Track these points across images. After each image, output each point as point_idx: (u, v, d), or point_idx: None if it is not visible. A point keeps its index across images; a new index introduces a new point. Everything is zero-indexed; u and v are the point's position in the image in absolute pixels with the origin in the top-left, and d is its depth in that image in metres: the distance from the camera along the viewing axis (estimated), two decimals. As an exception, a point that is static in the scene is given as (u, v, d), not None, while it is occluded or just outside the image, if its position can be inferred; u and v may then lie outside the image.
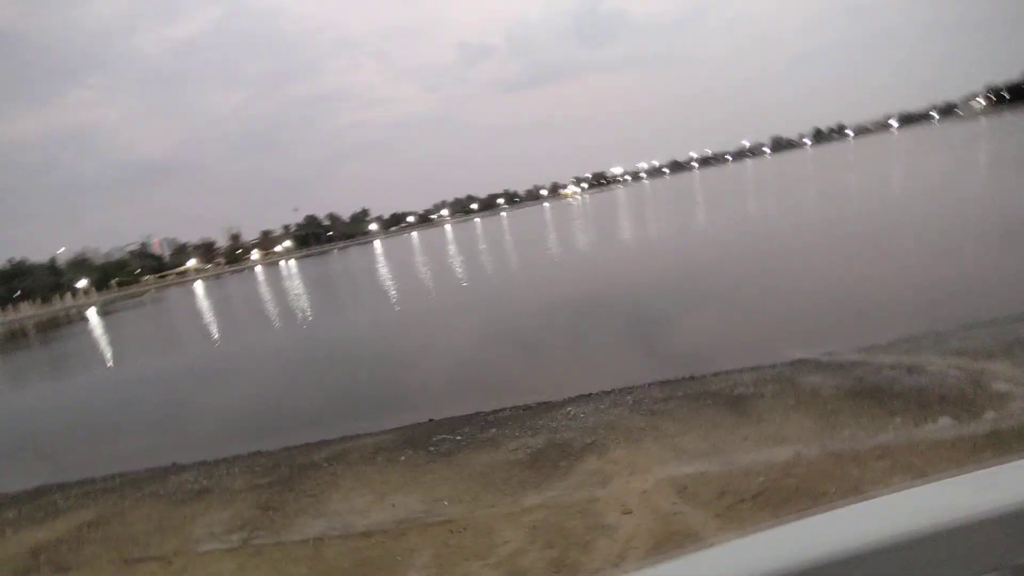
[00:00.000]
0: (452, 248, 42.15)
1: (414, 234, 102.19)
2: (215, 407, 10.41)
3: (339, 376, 10.78)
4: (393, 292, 22.94)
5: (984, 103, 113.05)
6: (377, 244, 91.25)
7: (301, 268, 63.36)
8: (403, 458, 5.59)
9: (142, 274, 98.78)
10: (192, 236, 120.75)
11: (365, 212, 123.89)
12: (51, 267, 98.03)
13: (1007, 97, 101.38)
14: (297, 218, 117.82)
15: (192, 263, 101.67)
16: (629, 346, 9.14)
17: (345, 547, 4.18)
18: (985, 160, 29.39)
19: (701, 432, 4.93)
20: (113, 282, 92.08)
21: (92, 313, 56.64)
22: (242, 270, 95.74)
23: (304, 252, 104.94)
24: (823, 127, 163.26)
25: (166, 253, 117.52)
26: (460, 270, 25.88)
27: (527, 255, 27.80)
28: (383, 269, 36.30)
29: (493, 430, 5.97)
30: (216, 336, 21.33)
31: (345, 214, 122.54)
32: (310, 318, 20.75)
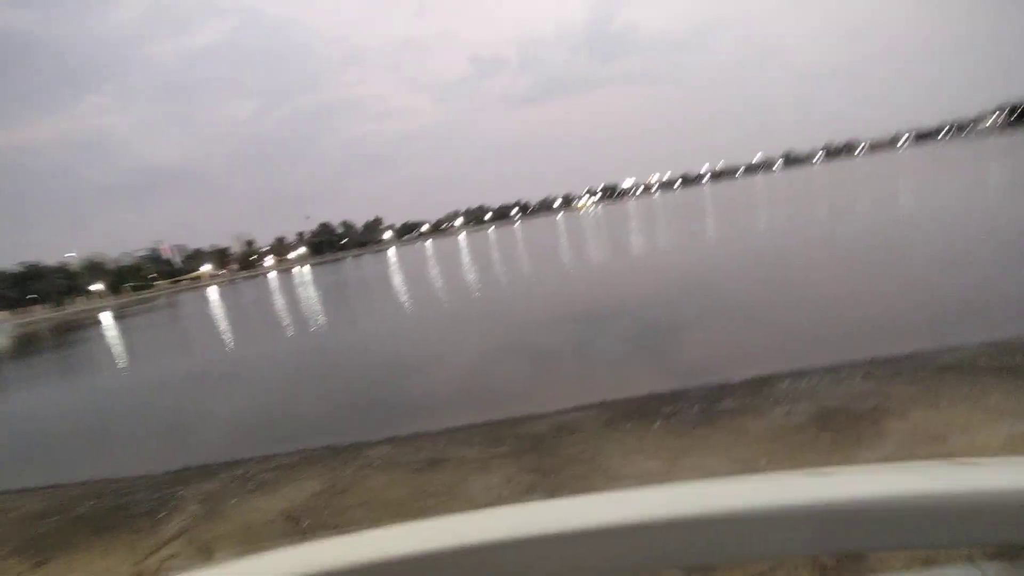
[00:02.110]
0: (494, 255, 41.97)
1: (428, 243, 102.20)
2: (375, 388, 10.14)
3: (498, 359, 10.53)
4: (479, 291, 22.70)
5: (997, 121, 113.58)
6: (391, 252, 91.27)
7: (319, 274, 63.00)
8: (655, 426, 5.29)
9: (156, 279, 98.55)
10: (202, 243, 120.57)
11: (379, 220, 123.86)
12: (64, 270, 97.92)
13: (1021, 115, 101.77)
14: (310, 226, 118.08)
15: (206, 268, 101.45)
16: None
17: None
18: (997, 179, 29.09)
19: (1000, 395, 4.65)
20: (127, 286, 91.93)
21: (108, 316, 56.41)
22: (256, 276, 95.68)
23: (318, 259, 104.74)
24: (834, 143, 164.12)
25: (176, 259, 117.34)
26: (520, 273, 25.63)
27: (590, 259, 27.59)
28: (436, 274, 36.06)
29: (729, 400, 5.68)
30: (301, 327, 21.05)
31: (357, 223, 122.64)
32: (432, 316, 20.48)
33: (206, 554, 4.25)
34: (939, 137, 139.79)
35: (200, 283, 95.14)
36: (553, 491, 4.30)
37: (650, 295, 13.52)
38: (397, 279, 34.10)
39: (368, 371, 11.32)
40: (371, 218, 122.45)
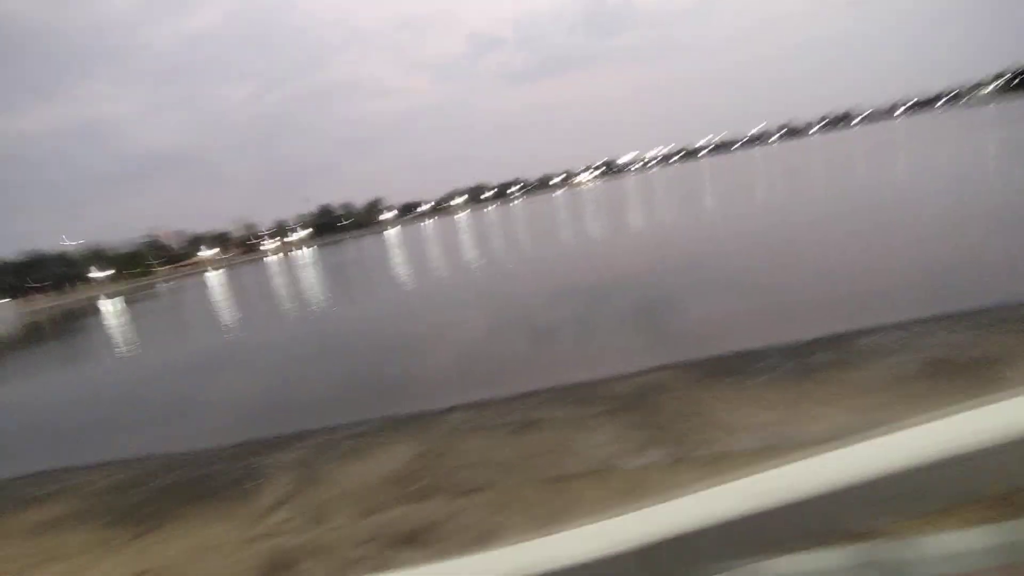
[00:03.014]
0: (498, 232, 41.72)
1: (428, 222, 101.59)
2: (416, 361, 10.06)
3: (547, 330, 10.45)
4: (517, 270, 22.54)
5: (993, 89, 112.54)
6: (392, 233, 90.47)
7: (321, 256, 62.60)
8: (753, 382, 5.21)
9: (156, 264, 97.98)
10: (201, 228, 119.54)
11: (379, 201, 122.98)
12: (65, 257, 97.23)
13: (1017, 83, 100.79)
14: (310, 208, 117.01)
15: (207, 253, 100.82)
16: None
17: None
18: (996, 148, 28.70)
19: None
20: (128, 272, 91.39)
21: (113, 302, 56.13)
22: (256, 259, 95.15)
23: (319, 241, 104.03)
24: (831, 114, 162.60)
25: (176, 244, 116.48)
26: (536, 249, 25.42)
27: (610, 233, 27.39)
28: (444, 253, 35.84)
29: (818, 356, 5.60)
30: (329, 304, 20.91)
31: (357, 204, 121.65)
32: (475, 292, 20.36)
33: (320, 520, 4.18)
34: (937, 105, 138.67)
35: (201, 268, 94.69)
36: (674, 443, 4.23)
37: (673, 266, 13.39)
38: (404, 258, 33.88)
39: (391, 348, 11.22)
40: (371, 199, 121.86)
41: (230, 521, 4.47)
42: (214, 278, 65.11)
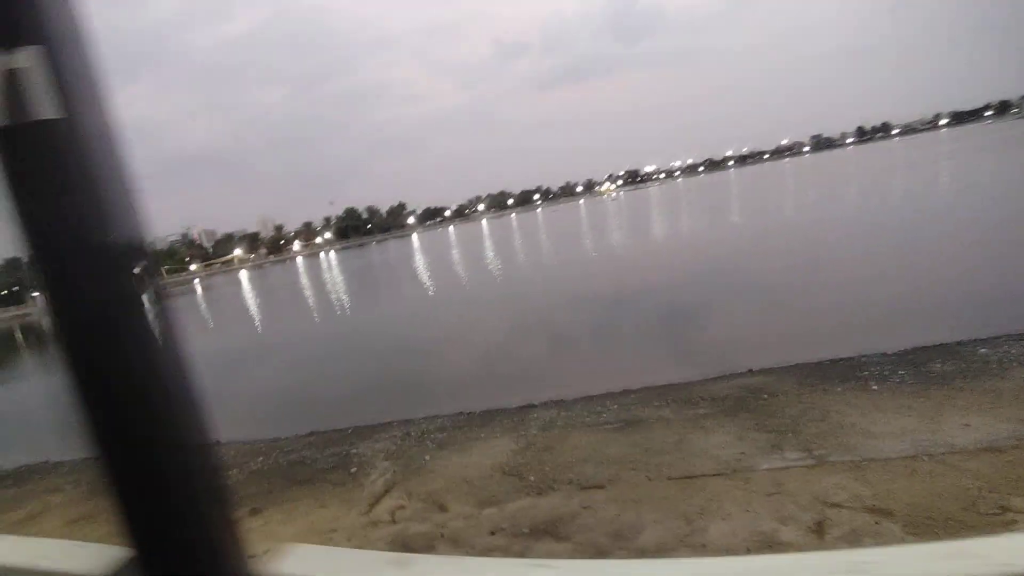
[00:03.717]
0: (528, 240, 41.67)
1: (451, 228, 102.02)
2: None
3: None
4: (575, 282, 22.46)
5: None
6: (415, 237, 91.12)
7: (348, 259, 63.08)
8: (873, 387, 4.97)
9: (190, 262, 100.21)
10: (230, 228, 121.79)
11: (403, 206, 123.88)
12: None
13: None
14: (335, 211, 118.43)
15: (237, 252, 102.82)
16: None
17: (955, 465, 3.57)
18: None
19: None
20: (163, 269, 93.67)
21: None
22: (284, 260, 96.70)
23: (343, 244, 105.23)
24: (867, 125, 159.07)
25: (206, 243, 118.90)
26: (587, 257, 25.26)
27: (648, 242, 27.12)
28: (479, 258, 35.89)
29: (937, 364, 5.33)
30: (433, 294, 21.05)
31: (381, 207, 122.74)
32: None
33: (439, 507, 4.07)
34: (984, 116, 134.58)
35: (232, 267, 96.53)
36: (807, 446, 4.03)
37: (737, 276, 13.12)
38: (436, 264, 33.99)
39: (444, 350, 11.15)
40: (395, 203, 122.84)
41: (344, 505, 4.40)
42: (247, 277, 66.26)
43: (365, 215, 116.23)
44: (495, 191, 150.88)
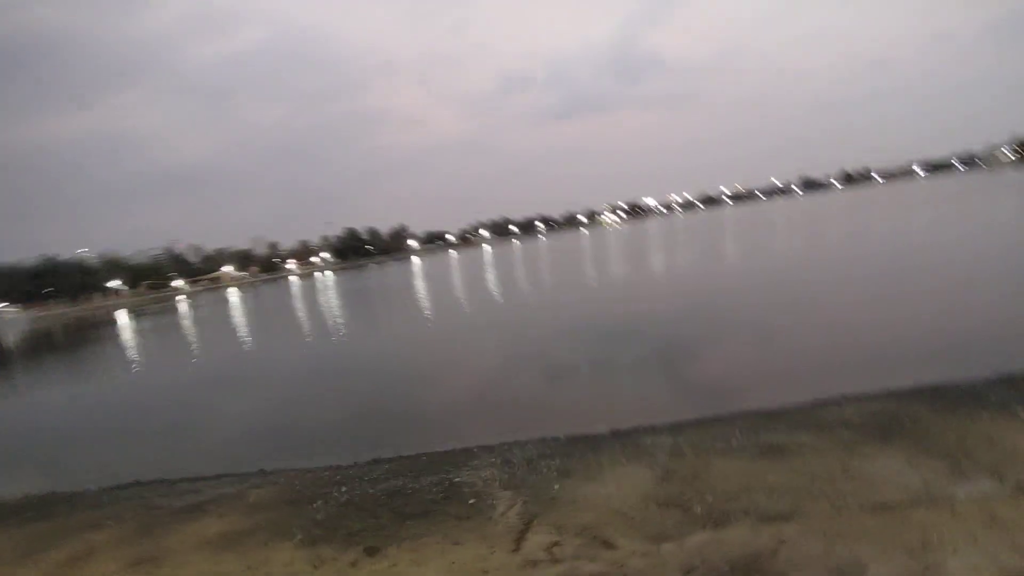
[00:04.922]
0: (541, 268, 41.48)
1: (453, 253, 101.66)
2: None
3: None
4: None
5: (1011, 154, 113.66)
6: (416, 261, 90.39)
7: (348, 281, 61.76)
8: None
9: (174, 277, 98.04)
10: (219, 243, 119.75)
11: (404, 228, 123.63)
12: (81, 266, 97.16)
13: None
14: (333, 231, 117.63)
15: (227, 269, 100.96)
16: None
17: None
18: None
19: None
20: (144, 284, 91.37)
21: (123, 314, 55.65)
22: (276, 279, 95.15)
23: (341, 264, 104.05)
24: (850, 170, 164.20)
25: (194, 258, 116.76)
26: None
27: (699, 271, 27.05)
28: (498, 283, 35.53)
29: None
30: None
31: (381, 230, 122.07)
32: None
33: (606, 544, 3.68)
34: (949, 168, 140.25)
35: (220, 284, 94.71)
36: (994, 473, 3.73)
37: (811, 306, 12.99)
38: (441, 288, 33.60)
39: (501, 377, 10.77)
40: (396, 225, 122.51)
41: (482, 541, 3.96)
42: (237, 295, 64.70)
43: (365, 236, 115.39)
44: (496, 217, 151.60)
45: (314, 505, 5.20)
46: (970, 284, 11.59)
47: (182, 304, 62.21)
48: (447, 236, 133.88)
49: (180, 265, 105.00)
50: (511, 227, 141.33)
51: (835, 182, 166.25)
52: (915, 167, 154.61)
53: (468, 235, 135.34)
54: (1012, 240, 17.00)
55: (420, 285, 36.03)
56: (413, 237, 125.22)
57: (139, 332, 32.70)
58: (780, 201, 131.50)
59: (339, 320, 23.55)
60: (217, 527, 5.03)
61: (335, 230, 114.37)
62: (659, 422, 6.30)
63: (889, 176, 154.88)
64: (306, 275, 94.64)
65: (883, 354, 7.86)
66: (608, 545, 3.67)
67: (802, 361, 8.28)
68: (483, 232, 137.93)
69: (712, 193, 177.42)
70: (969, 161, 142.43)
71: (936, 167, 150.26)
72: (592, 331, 12.69)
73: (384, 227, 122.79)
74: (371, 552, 4.12)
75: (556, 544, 3.78)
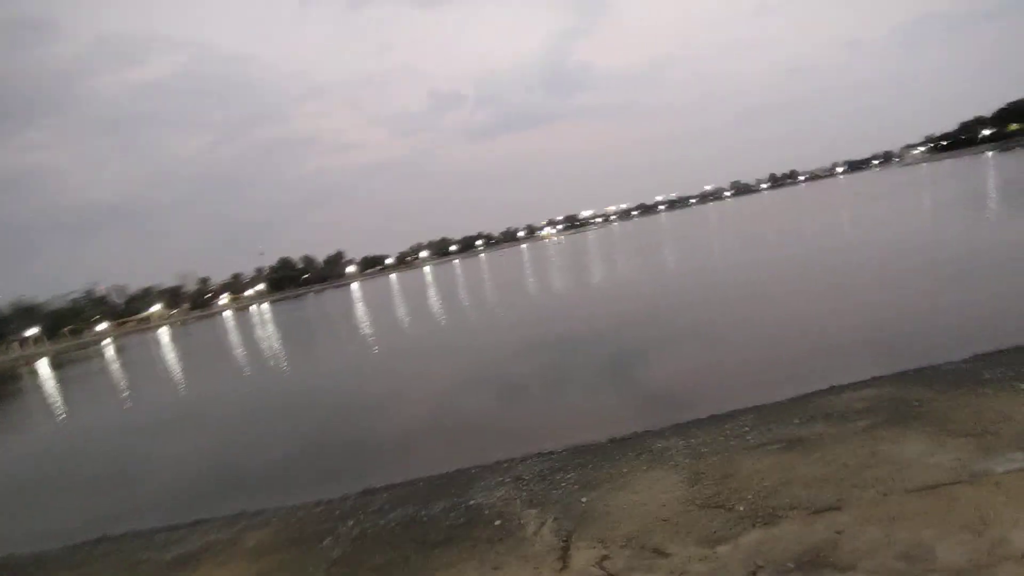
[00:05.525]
0: (480, 285, 41.23)
1: (393, 276, 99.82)
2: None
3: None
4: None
5: (923, 151, 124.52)
6: (355, 286, 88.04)
7: (281, 312, 59.29)
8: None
9: (98, 321, 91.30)
10: (145, 283, 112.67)
11: (340, 254, 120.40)
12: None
13: (944, 145, 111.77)
14: (265, 261, 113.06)
15: (156, 308, 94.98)
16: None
17: None
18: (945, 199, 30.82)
19: None
20: (65, 330, 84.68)
21: (44, 363, 51.37)
22: (211, 315, 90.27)
23: (277, 295, 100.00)
24: (778, 173, 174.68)
25: (117, 299, 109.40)
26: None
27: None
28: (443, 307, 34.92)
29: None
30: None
31: (317, 257, 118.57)
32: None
33: (657, 553, 3.51)
34: (872, 164, 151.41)
35: (150, 324, 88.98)
36: (1020, 447, 3.84)
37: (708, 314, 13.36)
38: (381, 313, 32.86)
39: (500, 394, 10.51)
40: (332, 252, 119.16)
41: (524, 562, 3.72)
42: (168, 335, 60.87)
43: (301, 264, 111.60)
44: (436, 238, 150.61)
45: (323, 543, 4.79)
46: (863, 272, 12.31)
47: (109, 349, 57.83)
48: (386, 260, 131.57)
49: (103, 308, 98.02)
50: (451, 247, 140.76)
51: (763, 185, 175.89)
52: (837, 167, 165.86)
53: (407, 257, 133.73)
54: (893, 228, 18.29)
55: (360, 311, 35.03)
56: (351, 263, 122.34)
57: (63, 381, 30.08)
58: (711, 205, 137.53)
59: (279, 353, 22.49)
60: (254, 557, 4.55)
61: (269, 260, 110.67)
62: (654, 426, 6.24)
63: (813, 176, 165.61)
64: (240, 309, 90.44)
65: (849, 344, 8.16)
66: (660, 553, 3.51)
67: (770, 358, 8.40)
68: (423, 253, 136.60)
69: (647, 202, 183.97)
70: (886, 159, 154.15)
71: (856, 165, 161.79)
72: (551, 343, 12.56)
73: (320, 254, 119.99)
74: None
75: (605, 558, 3.58)
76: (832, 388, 6.31)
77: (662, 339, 11.01)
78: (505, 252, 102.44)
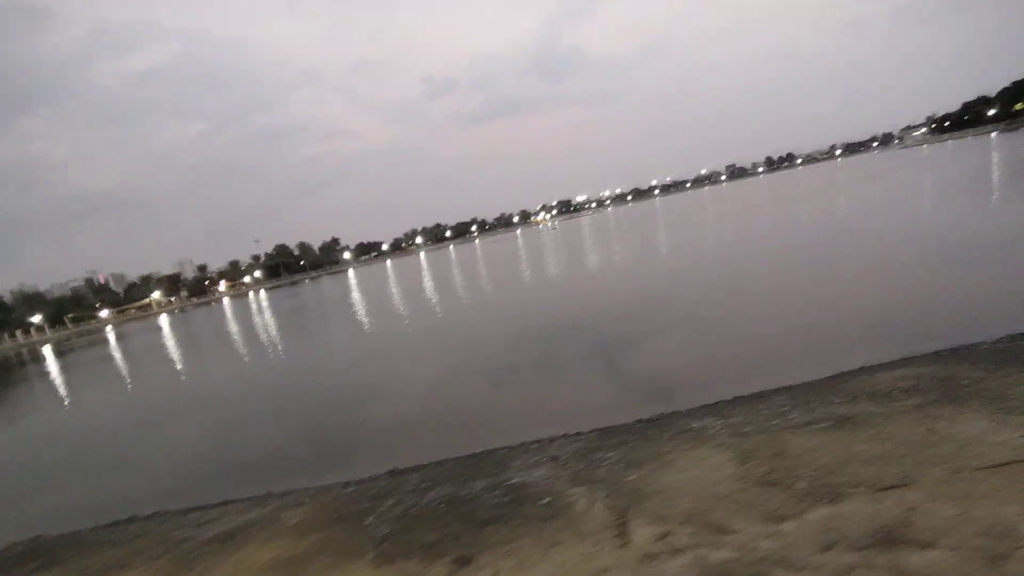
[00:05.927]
0: (479, 271, 41.06)
1: (388, 263, 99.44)
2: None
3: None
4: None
5: (925, 132, 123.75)
6: (351, 273, 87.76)
7: (279, 299, 58.98)
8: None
9: (99, 309, 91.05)
10: (143, 270, 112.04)
11: (336, 241, 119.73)
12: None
13: (947, 126, 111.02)
14: (263, 248, 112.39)
15: (155, 296, 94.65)
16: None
17: None
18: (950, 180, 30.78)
19: None
20: (66, 318, 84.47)
21: (48, 351, 51.38)
22: (208, 302, 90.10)
23: (274, 283, 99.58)
24: (774, 156, 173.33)
25: (117, 287, 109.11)
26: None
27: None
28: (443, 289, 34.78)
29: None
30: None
31: (313, 244, 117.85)
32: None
33: (719, 530, 3.44)
34: (870, 147, 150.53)
35: (150, 312, 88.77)
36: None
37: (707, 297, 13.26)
38: (380, 299, 32.73)
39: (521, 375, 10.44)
40: (328, 239, 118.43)
41: (581, 539, 3.65)
42: (167, 322, 60.72)
43: (297, 252, 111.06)
44: (429, 223, 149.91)
45: (366, 521, 4.73)
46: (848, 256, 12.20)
47: (111, 336, 57.81)
48: (382, 246, 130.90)
49: (104, 295, 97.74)
50: (446, 233, 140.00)
51: (760, 168, 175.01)
52: (836, 148, 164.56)
53: (403, 243, 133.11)
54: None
55: (358, 298, 34.88)
56: (346, 249, 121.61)
57: (69, 368, 30.02)
58: (706, 190, 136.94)
59: (279, 338, 22.44)
60: (268, 553, 4.50)
61: (265, 248, 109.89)
62: (682, 407, 6.21)
63: (811, 159, 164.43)
64: (238, 296, 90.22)
65: (867, 326, 8.11)
66: (724, 530, 3.44)
67: (785, 340, 8.30)
68: (418, 239, 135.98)
69: (642, 186, 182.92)
70: (886, 141, 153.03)
71: (855, 146, 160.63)
72: (558, 329, 12.47)
73: (316, 241, 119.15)
74: (463, 562, 3.73)
75: (667, 534, 3.51)
76: (863, 368, 6.27)
77: (672, 322, 10.94)
78: (499, 238, 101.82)
